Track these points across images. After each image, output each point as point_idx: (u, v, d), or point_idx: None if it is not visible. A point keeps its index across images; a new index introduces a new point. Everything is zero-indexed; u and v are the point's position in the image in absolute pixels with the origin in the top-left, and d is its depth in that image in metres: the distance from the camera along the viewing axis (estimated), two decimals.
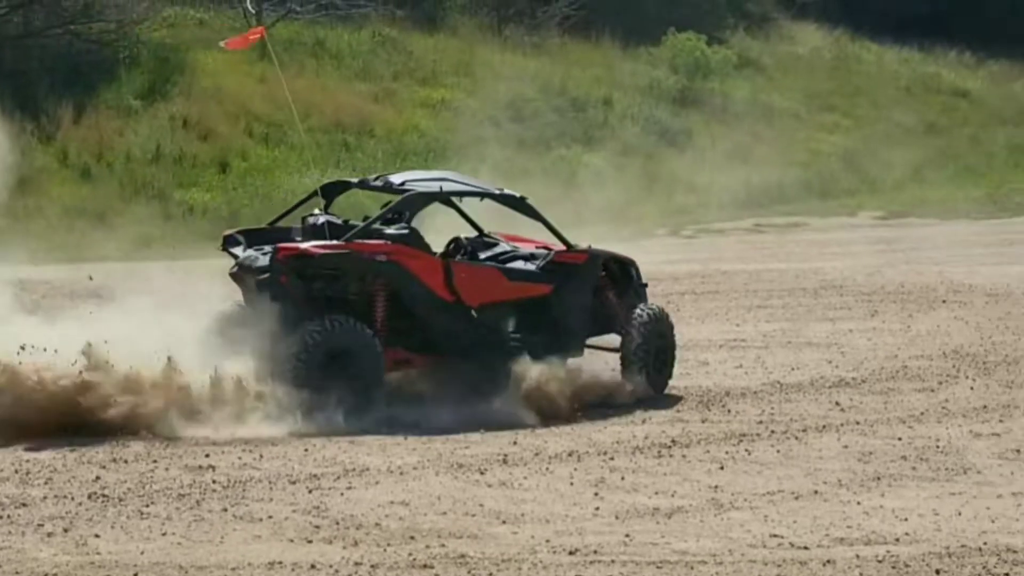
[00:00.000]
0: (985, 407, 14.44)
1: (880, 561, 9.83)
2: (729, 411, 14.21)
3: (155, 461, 11.88)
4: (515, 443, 12.69)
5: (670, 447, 12.73)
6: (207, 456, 12.03)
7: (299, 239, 14.07)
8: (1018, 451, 12.76)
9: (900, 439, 13.16)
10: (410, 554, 9.80)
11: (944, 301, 20.54)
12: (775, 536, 10.30)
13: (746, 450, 12.70)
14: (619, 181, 29.62)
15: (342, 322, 13.27)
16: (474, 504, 10.96)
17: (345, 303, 13.60)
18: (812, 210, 32.85)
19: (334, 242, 13.58)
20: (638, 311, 14.77)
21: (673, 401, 14.63)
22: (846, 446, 12.92)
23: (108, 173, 29.14)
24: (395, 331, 13.73)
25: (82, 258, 24.31)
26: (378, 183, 14.67)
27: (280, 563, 9.61)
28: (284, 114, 31.89)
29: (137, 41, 33.62)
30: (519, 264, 14.58)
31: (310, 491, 11.17)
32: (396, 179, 14.66)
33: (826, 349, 17.32)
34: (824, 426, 13.65)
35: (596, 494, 11.30)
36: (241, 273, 13.87)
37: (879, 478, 11.89)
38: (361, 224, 13.99)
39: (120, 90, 31.93)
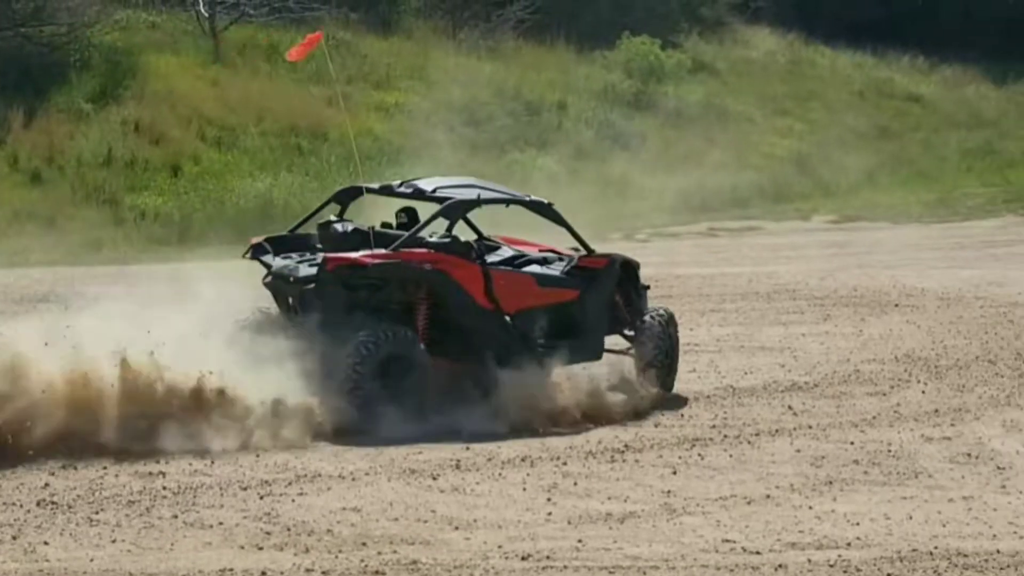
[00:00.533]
0: (936, 411, 14.49)
1: (832, 566, 9.85)
2: (682, 415, 14.23)
3: (105, 467, 11.78)
4: (468, 448, 12.66)
5: (623, 452, 12.72)
6: (157, 462, 11.94)
7: (320, 246, 14.11)
8: (969, 455, 12.81)
9: (852, 443, 13.20)
10: (362, 560, 9.76)
11: (896, 305, 20.61)
12: (727, 541, 10.31)
13: (699, 455, 12.71)
14: (573, 185, 29.54)
15: (395, 331, 13.34)
16: (426, 510, 10.92)
17: (387, 312, 13.62)
18: (766, 214, 32.91)
19: (383, 251, 13.59)
20: (651, 316, 14.95)
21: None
22: (799, 450, 12.94)
23: (59, 177, 28.92)
24: (433, 339, 13.77)
25: (31, 262, 24.15)
26: (405, 189, 14.61)
27: (231, 570, 9.56)
28: (237, 117, 31.77)
29: (88, 44, 33.37)
30: (549, 270, 14.65)
31: (261, 497, 11.11)
32: (426, 186, 14.61)
33: (779, 353, 17.35)
34: (777, 430, 13.67)
35: (549, 499, 11.29)
36: (278, 282, 13.85)
37: (831, 482, 11.92)
38: (406, 232, 13.98)
39: (71, 93, 31.71)
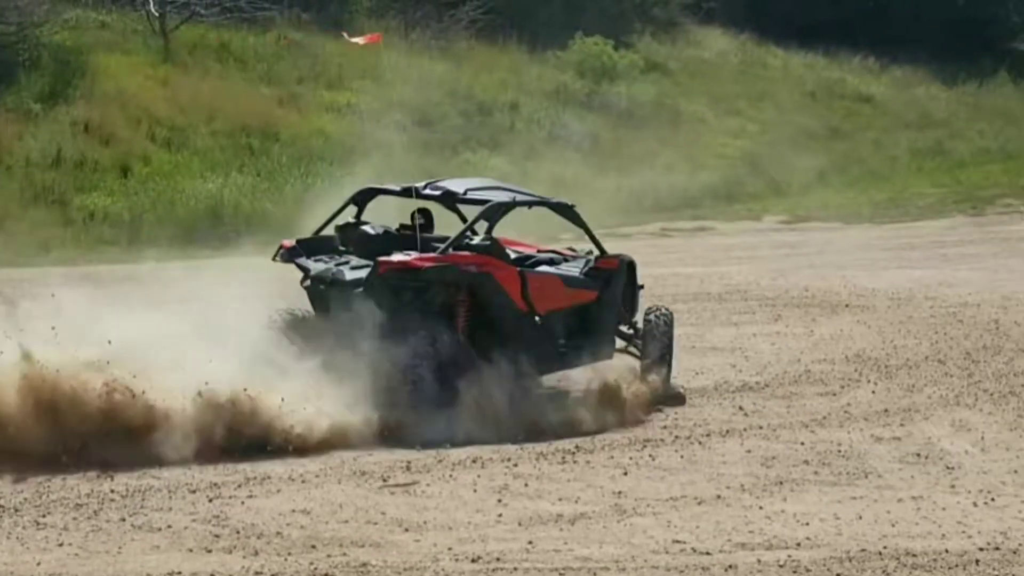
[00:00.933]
0: (886, 411, 14.54)
1: (781, 566, 9.86)
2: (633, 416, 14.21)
3: (52, 470, 11.68)
4: (418, 449, 12.62)
5: (574, 453, 12.71)
6: (105, 465, 11.85)
7: (343, 248, 14.20)
8: (918, 455, 12.85)
9: (802, 443, 13.22)
10: (311, 563, 9.71)
11: (847, 305, 20.69)
12: (677, 542, 10.31)
13: (650, 455, 12.71)
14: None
15: (447, 334, 13.45)
16: (376, 512, 10.88)
17: (428, 314, 13.65)
18: (718, 214, 32.99)
19: (432, 254, 13.67)
20: (654, 314, 15.17)
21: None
22: (749, 451, 12.95)
23: (7, 178, 28.71)
24: (470, 341, 13.85)
25: None
26: (432, 192, 14.63)
27: (179, 573, 9.51)
28: (187, 117, 31.62)
29: (38, 43, 33.17)
30: (572, 272, 14.78)
31: (210, 500, 11.05)
32: (456, 188, 14.66)
33: (730, 353, 17.38)
34: (727, 431, 13.69)
35: (499, 501, 11.27)
36: (320, 286, 13.82)
37: (781, 483, 11.94)
38: (453, 235, 14.10)
39: (20, 93, 31.49)
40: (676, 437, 13.35)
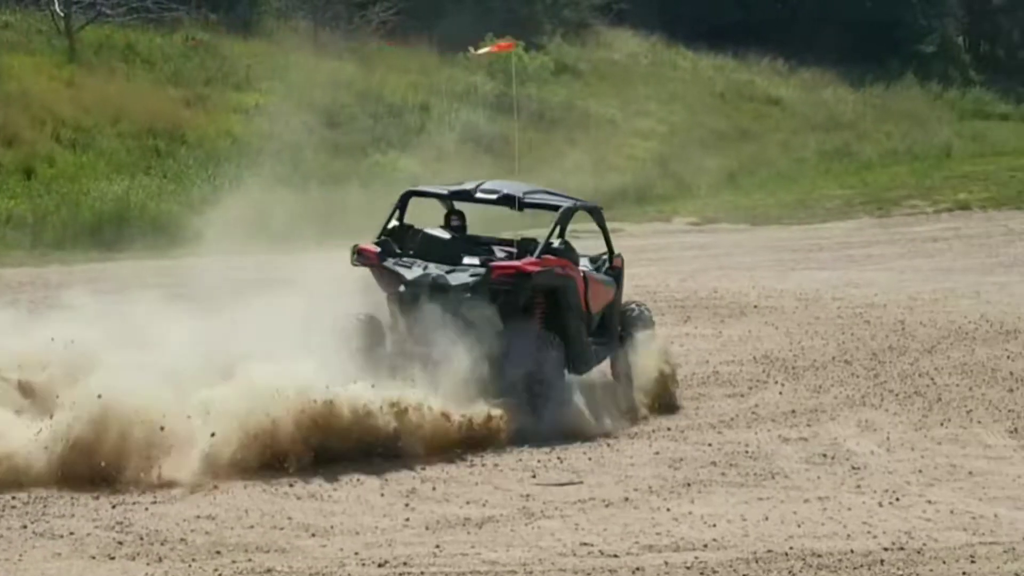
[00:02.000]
0: (793, 412, 14.62)
1: (688, 568, 9.87)
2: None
3: None
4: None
5: (482, 456, 12.66)
6: None
7: (401, 251, 14.24)
8: (825, 455, 12.93)
9: (710, 445, 13.26)
10: (216, 569, 9.61)
11: (755, 307, 20.79)
12: (585, 544, 10.30)
13: (558, 457, 12.70)
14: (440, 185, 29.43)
15: (552, 336, 13.82)
16: (282, 517, 10.78)
17: (517, 316, 13.89)
18: (628, 215, 33.00)
19: (532, 259, 13.95)
20: (635, 311, 15.61)
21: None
22: (657, 452, 12.97)
23: None
24: None
25: None
26: (487, 196, 14.80)
27: None
28: (92, 118, 31.23)
29: None
30: (603, 273, 15.09)
31: (114, 506, 10.90)
32: (513, 191, 14.89)
33: None
34: (635, 432, 13.71)
35: (407, 505, 11.21)
36: (418, 291, 13.76)
37: (689, 484, 11.96)
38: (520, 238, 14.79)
39: None
40: (585, 439, 13.34)
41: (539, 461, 12.55)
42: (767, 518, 10.99)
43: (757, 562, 10.02)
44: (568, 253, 14.33)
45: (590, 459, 12.70)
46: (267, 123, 32.34)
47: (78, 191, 28.00)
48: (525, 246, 14.45)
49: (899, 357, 17.32)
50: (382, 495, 11.44)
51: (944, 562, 10.13)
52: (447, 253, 14.14)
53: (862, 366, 16.79)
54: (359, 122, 34.73)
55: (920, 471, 12.48)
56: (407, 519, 10.84)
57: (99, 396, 11.53)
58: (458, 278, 13.76)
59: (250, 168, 27.02)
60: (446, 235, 14.50)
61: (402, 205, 14.77)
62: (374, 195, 25.71)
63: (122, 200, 27.61)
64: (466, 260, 14.09)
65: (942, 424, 14.22)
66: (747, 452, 12.99)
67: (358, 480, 11.82)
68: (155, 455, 11.44)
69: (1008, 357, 17.29)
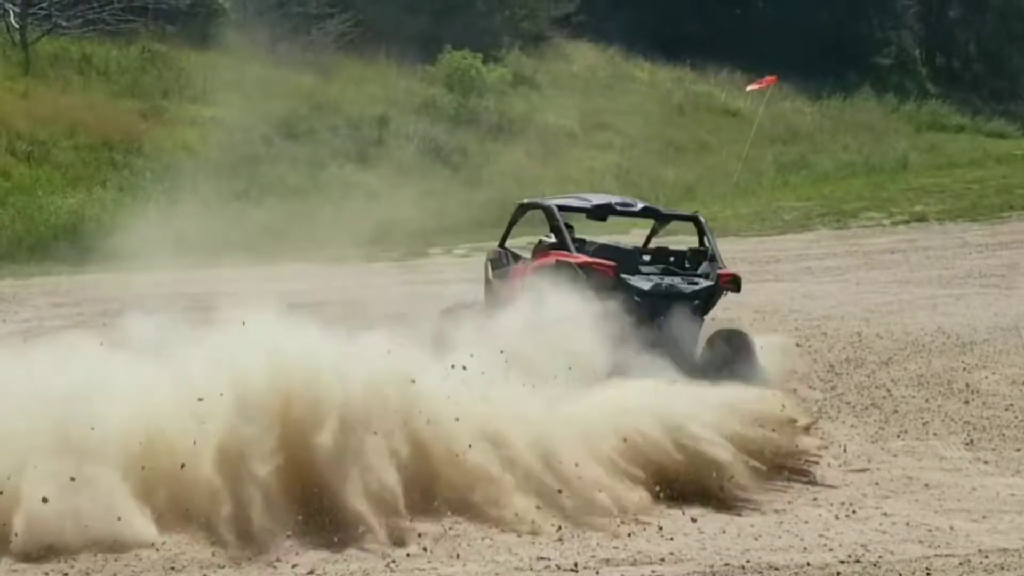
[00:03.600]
0: None
1: None
2: None
3: None
4: None
5: None
6: None
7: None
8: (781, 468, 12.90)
9: None
10: None
11: (713, 319, 20.75)
12: (542, 559, 10.24)
13: None
14: (393, 200, 29.38)
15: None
16: None
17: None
18: (586, 228, 33.02)
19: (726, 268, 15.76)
20: None
21: None
22: None
23: None
24: None
25: None
26: (632, 208, 16.64)
27: None
28: (48, 131, 31.05)
29: None
30: None
31: None
32: (634, 204, 16.71)
33: None
34: None
35: None
36: (658, 299, 14.95)
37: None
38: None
39: None
40: None
41: None
42: (724, 531, 10.97)
43: (714, 575, 10.00)
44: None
45: None
46: (224, 135, 32.26)
47: (33, 205, 27.85)
48: (686, 255, 15.94)
49: (856, 369, 17.34)
50: None
51: (900, 574, 10.13)
52: (627, 262, 15.32)
53: (819, 379, 16.80)
54: (317, 135, 34.65)
55: (876, 483, 12.49)
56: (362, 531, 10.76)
57: None
58: (688, 287, 15.20)
59: (207, 181, 26.93)
60: (625, 246, 15.97)
61: (517, 218, 16.65)
62: (330, 208, 25.69)
63: (78, 213, 27.46)
64: (644, 268, 15.49)
65: (898, 436, 14.25)
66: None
67: None
68: None
69: (964, 369, 17.34)
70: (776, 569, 10.13)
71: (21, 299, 19.04)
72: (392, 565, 10.04)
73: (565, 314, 13.79)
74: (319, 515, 10.68)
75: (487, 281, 16.92)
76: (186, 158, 31.14)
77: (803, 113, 46.00)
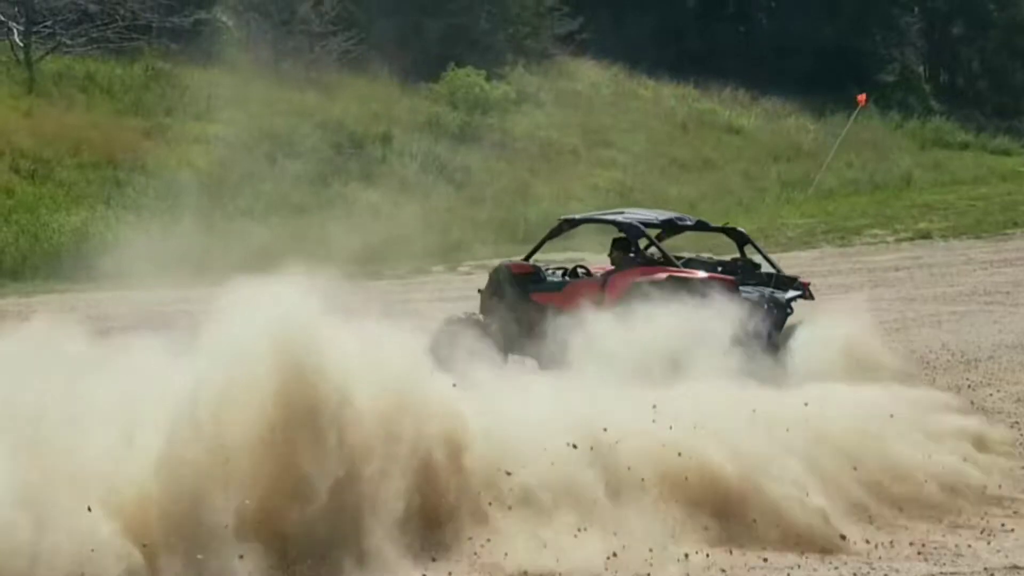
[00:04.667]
0: None
1: None
2: None
3: None
4: None
5: None
6: None
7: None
8: None
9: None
10: None
11: None
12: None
13: None
14: (396, 218, 29.41)
15: None
16: None
17: None
18: (588, 245, 33.01)
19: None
20: None
21: None
22: None
23: None
24: None
25: None
26: (689, 223, 17.51)
27: None
28: (52, 149, 31.08)
29: None
30: None
31: None
32: (688, 219, 17.59)
33: None
34: None
35: None
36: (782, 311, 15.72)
37: None
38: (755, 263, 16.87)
39: None
40: None
41: None
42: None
43: None
44: None
45: None
46: (228, 153, 32.28)
47: (37, 223, 27.88)
48: (738, 265, 16.44)
49: None
50: None
51: None
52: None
53: None
54: (320, 153, 34.66)
55: None
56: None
57: None
58: (782, 296, 15.81)
59: (210, 199, 26.94)
60: (713, 259, 16.47)
61: (555, 233, 17.47)
62: (334, 226, 25.67)
63: (81, 231, 27.47)
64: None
65: None
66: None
67: None
68: None
69: (969, 386, 17.28)
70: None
71: (25, 317, 18.96)
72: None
73: (713, 330, 13.70)
74: None
75: (492, 297, 16.68)
76: (189, 176, 31.15)
77: (806, 131, 45.98)
